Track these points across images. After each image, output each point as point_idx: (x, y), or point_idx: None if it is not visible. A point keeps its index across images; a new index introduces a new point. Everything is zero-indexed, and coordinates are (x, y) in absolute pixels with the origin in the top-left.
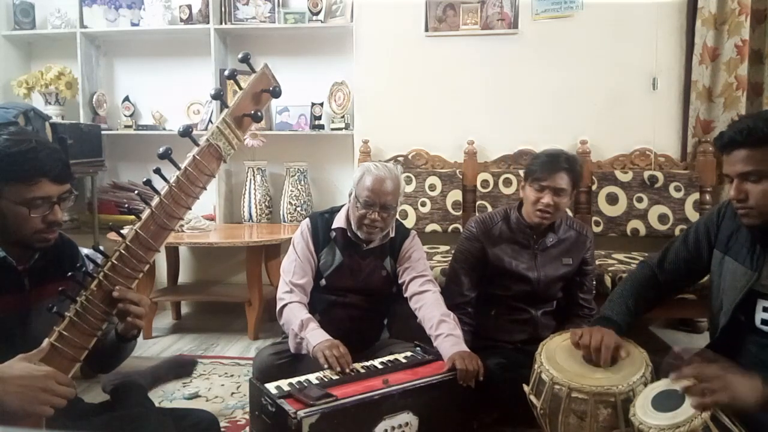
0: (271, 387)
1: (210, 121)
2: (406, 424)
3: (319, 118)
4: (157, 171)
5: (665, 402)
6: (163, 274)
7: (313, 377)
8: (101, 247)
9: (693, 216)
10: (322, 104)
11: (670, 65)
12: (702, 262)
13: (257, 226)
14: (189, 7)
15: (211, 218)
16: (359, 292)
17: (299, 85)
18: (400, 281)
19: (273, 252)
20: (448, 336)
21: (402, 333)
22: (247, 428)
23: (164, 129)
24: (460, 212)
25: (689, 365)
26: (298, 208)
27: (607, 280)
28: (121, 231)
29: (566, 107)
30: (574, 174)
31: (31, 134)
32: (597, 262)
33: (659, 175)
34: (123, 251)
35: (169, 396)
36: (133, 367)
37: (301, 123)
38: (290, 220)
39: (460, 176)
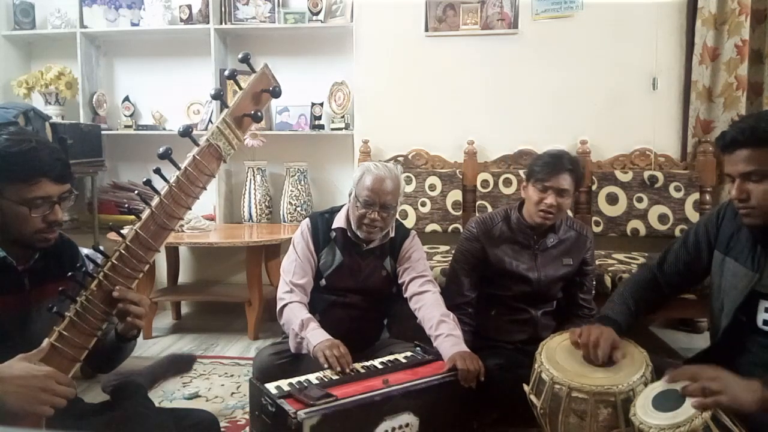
0: (271, 387)
1: (210, 121)
2: (407, 424)
3: (319, 118)
4: (157, 171)
5: (666, 402)
6: (163, 274)
7: (313, 377)
8: (101, 247)
9: (693, 216)
10: (322, 104)
11: (670, 65)
12: (702, 263)
13: (257, 226)
14: (189, 7)
15: (211, 218)
16: (359, 292)
17: (299, 85)
18: (399, 281)
19: (273, 252)
20: (448, 336)
21: (402, 333)
22: (247, 428)
23: (164, 129)
24: (460, 212)
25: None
26: (298, 208)
27: (607, 280)
28: (121, 231)
29: (566, 107)
30: (576, 175)
31: (31, 134)
32: (597, 262)
33: (659, 175)
34: (123, 251)
35: (169, 396)
36: (133, 367)
37: (301, 123)
38: (290, 220)
39: (460, 176)
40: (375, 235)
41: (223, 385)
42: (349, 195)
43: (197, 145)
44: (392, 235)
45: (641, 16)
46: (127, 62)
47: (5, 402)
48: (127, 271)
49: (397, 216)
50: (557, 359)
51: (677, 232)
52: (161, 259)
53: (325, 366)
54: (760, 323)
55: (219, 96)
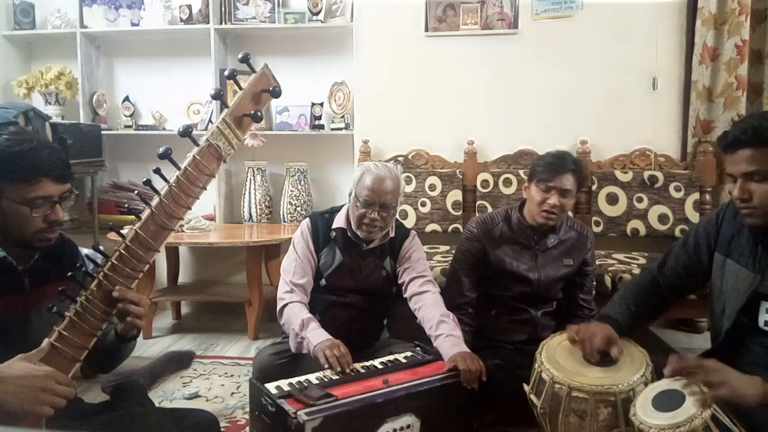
0: (271, 387)
1: (210, 121)
2: (408, 426)
3: (319, 118)
4: (157, 171)
5: (666, 402)
6: (163, 274)
7: (313, 377)
8: (101, 247)
9: (693, 216)
10: (322, 104)
11: (670, 65)
12: (702, 266)
13: (257, 226)
14: (189, 7)
15: (211, 218)
16: (359, 292)
17: (299, 85)
18: (399, 281)
19: (273, 252)
20: (448, 336)
21: (402, 333)
22: (247, 428)
23: (164, 129)
24: (460, 212)
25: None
26: (298, 208)
27: (607, 280)
28: (121, 231)
29: (566, 107)
30: (579, 175)
31: (31, 134)
32: (597, 262)
33: (659, 175)
34: (123, 251)
35: (169, 396)
36: (133, 367)
37: (301, 123)
38: (290, 220)
39: (460, 176)
40: (375, 235)
41: (223, 385)
42: (349, 195)
43: (197, 145)
44: (392, 235)
45: (641, 16)
46: (127, 62)
47: (5, 402)
48: (127, 271)
49: (397, 216)
50: (557, 359)
51: (677, 232)
52: (161, 259)
53: (326, 366)
54: (761, 324)
55: (219, 96)
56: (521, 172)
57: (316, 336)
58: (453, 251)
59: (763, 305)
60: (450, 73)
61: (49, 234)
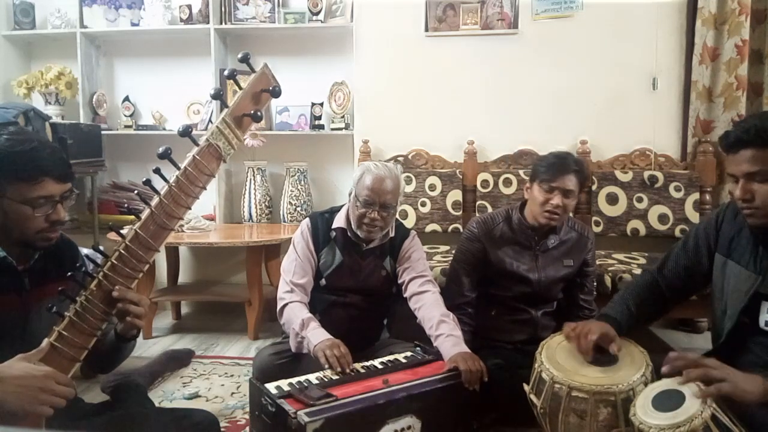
0: (271, 387)
1: (210, 121)
2: (409, 427)
3: (319, 118)
4: (157, 171)
5: (666, 402)
6: (163, 274)
7: (313, 377)
8: (101, 247)
9: (693, 216)
10: (322, 104)
11: (670, 65)
12: (702, 267)
13: (257, 226)
14: (189, 7)
15: (211, 218)
16: (359, 292)
17: (299, 85)
18: (399, 281)
19: (273, 252)
20: (448, 336)
21: (402, 333)
22: (247, 428)
23: (164, 129)
24: (460, 212)
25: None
26: (298, 208)
27: (607, 280)
28: (121, 231)
29: (566, 107)
30: (582, 176)
31: (32, 134)
32: (597, 262)
33: (659, 175)
34: (123, 251)
35: (169, 396)
36: (133, 366)
37: (301, 123)
38: (290, 220)
39: (460, 176)
40: (375, 235)
41: (223, 385)
42: (349, 195)
43: (197, 145)
44: (392, 235)
45: (641, 16)
46: (127, 62)
47: (5, 402)
48: (126, 271)
49: (397, 216)
50: (557, 359)
51: (677, 232)
52: (161, 259)
53: (326, 366)
54: (762, 324)
55: (219, 96)
56: (521, 172)
57: (317, 335)
58: (453, 251)
59: (764, 305)
60: (450, 73)
61: (50, 234)
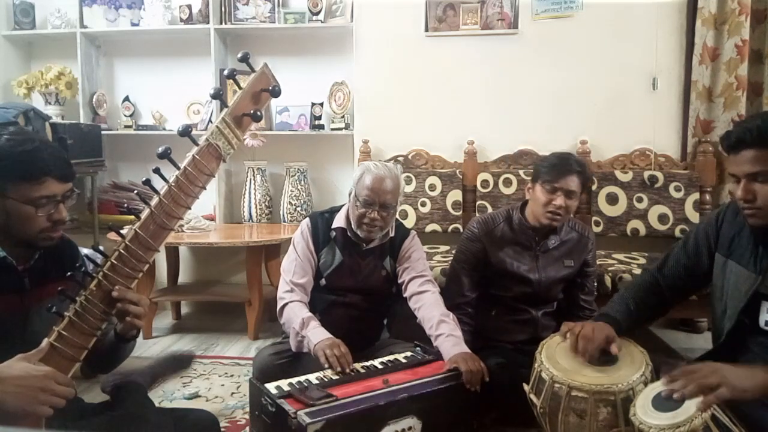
0: (271, 387)
1: (210, 121)
2: (410, 428)
3: (319, 118)
4: (157, 171)
5: (665, 402)
6: (163, 274)
7: (313, 377)
8: (101, 247)
9: (693, 216)
10: (322, 104)
11: (670, 65)
12: (702, 267)
13: (257, 226)
14: (189, 7)
15: (211, 218)
16: (359, 292)
17: (299, 85)
18: (399, 281)
19: (273, 252)
20: (448, 336)
21: (402, 333)
22: (247, 428)
23: (164, 129)
24: (460, 212)
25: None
26: (298, 208)
27: (607, 280)
28: (121, 231)
29: (566, 107)
30: (584, 176)
31: (33, 134)
32: (597, 262)
33: (659, 175)
34: (122, 251)
35: (169, 396)
36: (133, 367)
37: (301, 123)
38: (290, 220)
39: (460, 176)
40: (375, 235)
41: (223, 385)
42: (349, 195)
43: (197, 144)
44: (392, 234)
45: (641, 16)
46: (127, 62)
47: (5, 402)
48: (126, 270)
49: (397, 216)
50: (557, 358)
51: (677, 232)
52: (161, 259)
53: (326, 365)
54: (762, 324)
55: (218, 95)
56: (521, 172)
57: (317, 335)
58: (453, 251)
59: (764, 305)
60: (450, 73)
61: (53, 233)
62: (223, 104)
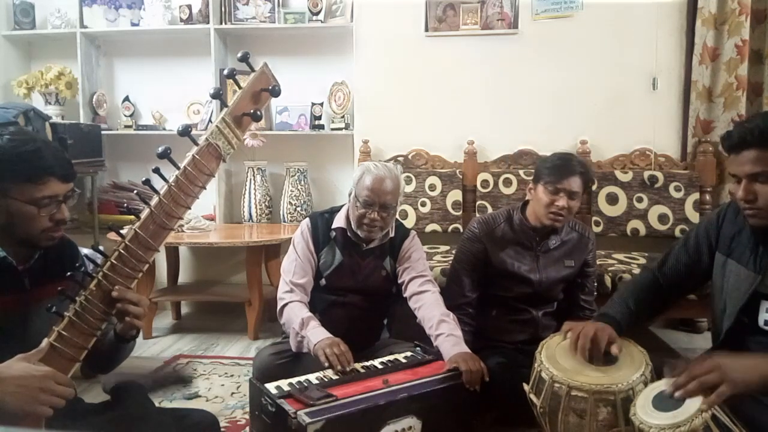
0: (271, 387)
1: (210, 120)
2: (410, 427)
3: (319, 118)
4: (157, 171)
5: (666, 401)
6: (163, 274)
7: (313, 377)
8: (101, 247)
9: (693, 216)
10: (322, 104)
11: (670, 65)
12: (703, 265)
13: (257, 226)
14: (189, 7)
15: (211, 218)
16: (359, 292)
17: (299, 85)
18: (399, 281)
19: (273, 252)
20: (449, 336)
21: (402, 333)
22: (247, 428)
23: (164, 129)
24: (460, 212)
25: (683, 371)
26: (298, 208)
27: (607, 280)
28: (121, 231)
29: (566, 107)
30: (586, 177)
31: (34, 134)
32: (597, 262)
33: (659, 175)
34: (122, 251)
35: (169, 396)
36: (132, 367)
37: (301, 123)
38: (290, 220)
39: (460, 176)
40: (375, 235)
41: (223, 385)
42: (349, 195)
43: (196, 144)
44: (392, 235)
45: (641, 16)
46: (127, 62)
47: (4, 402)
48: (126, 270)
49: (397, 216)
50: (557, 358)
51: (677, 232)
52: (161, 259)
53: (326, 364)
54: (761, 323)
55: (218, 95)
56: (521, 172)
57: (316, 334)
58: (453, 251)
59: (764, 305)
60: (450, 73)
61: (54, 233)
62: (223, 104)
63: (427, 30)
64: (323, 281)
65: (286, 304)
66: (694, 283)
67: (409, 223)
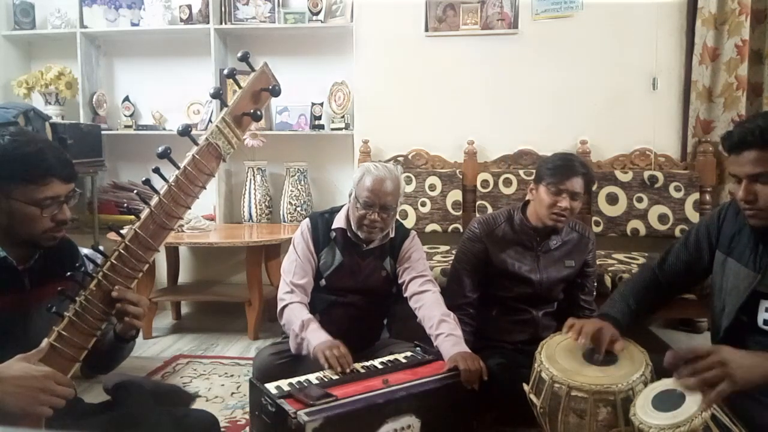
0: (271, 387)
1: (210, 120)
2: (409, 426)
3: (319, 118)
4: (157, 170)
5: (665, 402)
6: (163, 274)
7: (313, 377)
8: (101, 247)
9: (693, 216)
10: (322, 104)
11: (670, 65)
12: (703, 263)
13: (257, 226)
14: (189, 7)
15: (211, 218)
16: (359, 292)
17: (299, 85)
18: (399, 281)
19: (273, 252)
20: (449, 336)
21: (402, 333)
22: (247, 428)
23: (164, 129)
24: (460, 212)
25: (685, 364)
26: (298, 208)
27: (607, 280)
28: (121, 231)
29: (566, 107)
30: (588, 178)
31: (35, 135)
32: (597, 262)
33: (659, 175)
34: (122, 251)
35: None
36: (133, 367)
37: (301, 123)
38: (290, 220)
39: (460, 176)
40: (375, 236)
41: (223, 385)
42: (349, 195)
43: (196, 144)
44: (392, 235)
45: (641, 16)
46: (127, 62)
47: (4, 402)
48: (126, 270)
49: (397, 216)
50: (557, 358)
51: (677, 232)
52: (161, 259)
53: (326, 366)
54: (760, 323)
55: (218, 95)
56: (521, 172)
57: (316, 337)
58: (453, 251)
59: (763, 304)
60: (450, 73)
61: (56, 233)
62: (223, 104)
63: (427, 30)
64: (323, 281)
65: (286, 305)
66: (693, 281)
67: (409, 223)
